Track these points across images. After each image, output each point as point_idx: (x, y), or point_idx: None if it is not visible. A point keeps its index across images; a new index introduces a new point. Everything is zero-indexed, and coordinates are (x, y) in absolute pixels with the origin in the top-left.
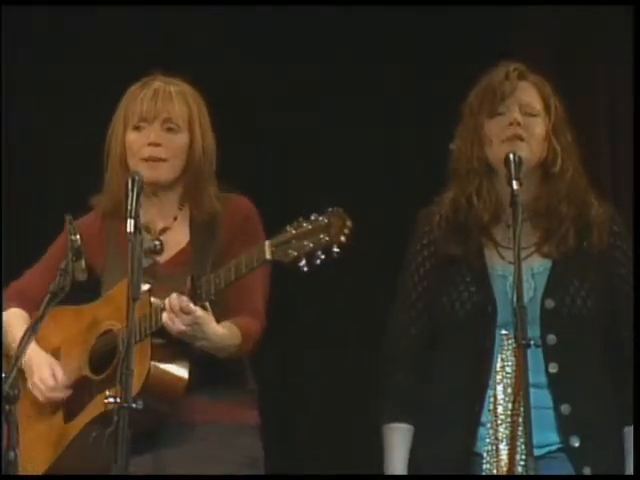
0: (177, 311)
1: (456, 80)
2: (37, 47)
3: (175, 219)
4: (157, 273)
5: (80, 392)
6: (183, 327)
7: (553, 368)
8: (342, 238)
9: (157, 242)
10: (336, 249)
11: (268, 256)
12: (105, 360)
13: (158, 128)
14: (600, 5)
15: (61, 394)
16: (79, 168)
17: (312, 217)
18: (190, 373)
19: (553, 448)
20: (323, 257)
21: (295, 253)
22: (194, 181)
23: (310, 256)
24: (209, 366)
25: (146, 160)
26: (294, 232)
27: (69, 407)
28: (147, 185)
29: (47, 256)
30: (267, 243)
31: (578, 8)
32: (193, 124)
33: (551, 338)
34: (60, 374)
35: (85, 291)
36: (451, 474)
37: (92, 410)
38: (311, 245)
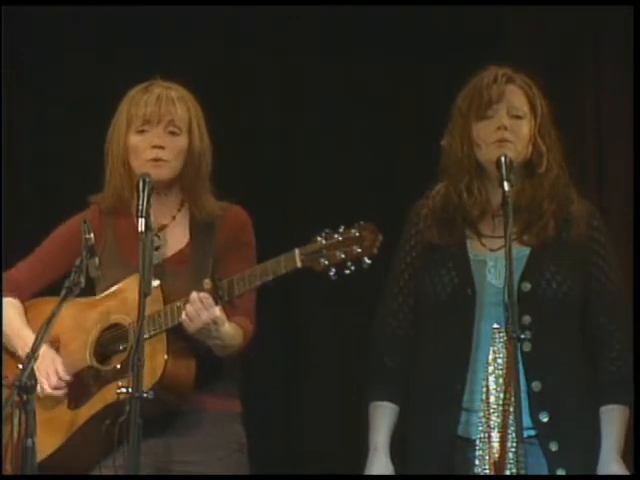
0: (207, 305)
1: (456, 80)
2: (37, 47)
3: (174, 218)
4: (159, 270)
5: (84, 381)
6: (205, 322)
7: (526, 347)
8: (375, 251)
9: (156, 238)
10: (368, 260)
11: (299, 264)
12: (113, 352)
13: (161, 131)
14: (600, 5)
15: (61, 392)
16: (79, 167)
17: (341, 229)
18: (197, 368)
19: (532, 433)
20: (353, 268)
21: (327, 262)
22: (192, 182)
23: (340, 266)
24: (204, 360)
25: (150, 161)
26: (324, 242)
27: (73, 395)
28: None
29: (42, 250)
30: (297, 252)
31: (577, 8)
32: (192, 127)
33: (526, 319)
34: (62, 371)
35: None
36: (441, 469)
37: (103, 398)
38: (343, 256)
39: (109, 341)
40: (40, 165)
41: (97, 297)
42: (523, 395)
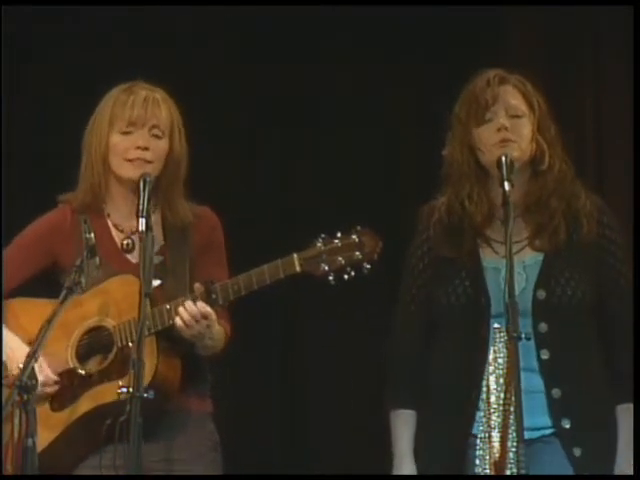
0: (199, 318)
1: (456, 80)
2: (37, 47)
3: None
4: (134, 271)
5: (67, 383)
6: (200, 330)
7: (544, 354)
8: (375, 257)
9: (129, 240)
10: (367, 266)
11: (298, 269)
12: (96, 354)
13: (146, 134)
14: (600, 5)
15: (50, 389)
16: (79, 167)
17: (339, 235)
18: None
19: (547, 432)
20: (353, 273)
21: (327, 267)
22: (168, 186)
23: (340, 271)
24: (186, 361)
25: (132, 161)
26: (323, 248)
27: (55, 396)
28: (131, 182)
29: (18, 245)
30: (295, 256)
31: (577, 8)
32: (173, 132)
33: (542, 326)
34: (48, 370)
35: (42, 283)
36: (451, 470)
37: (93, 399)
38: (343, 261)
39: (92, 344)
40: (40, 165)
41: (78, 297)
42: (542, 401)
